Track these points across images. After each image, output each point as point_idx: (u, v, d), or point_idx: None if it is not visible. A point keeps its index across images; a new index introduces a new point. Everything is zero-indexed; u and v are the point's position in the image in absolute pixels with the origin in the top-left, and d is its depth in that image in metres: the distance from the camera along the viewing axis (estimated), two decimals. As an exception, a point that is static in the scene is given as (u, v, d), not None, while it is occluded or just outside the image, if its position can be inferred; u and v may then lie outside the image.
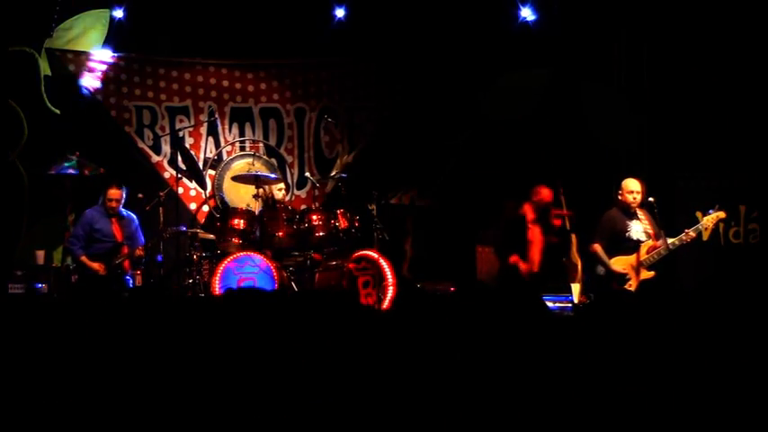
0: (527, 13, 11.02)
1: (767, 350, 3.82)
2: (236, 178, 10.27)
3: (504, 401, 3.45)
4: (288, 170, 11.31)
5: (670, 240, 8.78)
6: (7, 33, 10.28)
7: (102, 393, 3.68)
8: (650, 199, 9.00)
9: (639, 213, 9.03)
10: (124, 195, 9.74)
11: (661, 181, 10.00)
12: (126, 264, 9.61)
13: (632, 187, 9.02)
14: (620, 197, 9.11)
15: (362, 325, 3.99)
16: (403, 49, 11.22)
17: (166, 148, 11.13)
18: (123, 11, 10.67)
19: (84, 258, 9.53)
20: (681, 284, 8.67)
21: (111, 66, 10.96)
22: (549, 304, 8.12)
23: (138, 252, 9.66)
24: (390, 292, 9.07)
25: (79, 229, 9.67)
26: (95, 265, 9.49)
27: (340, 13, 11.03)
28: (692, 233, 8.78)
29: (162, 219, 9.87)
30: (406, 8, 10.99)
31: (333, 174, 10.89)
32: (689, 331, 4.13)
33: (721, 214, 9.11)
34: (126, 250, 9.59)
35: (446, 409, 3.34)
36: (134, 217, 9.89)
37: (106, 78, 10.95)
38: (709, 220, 9.05)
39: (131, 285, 9.53)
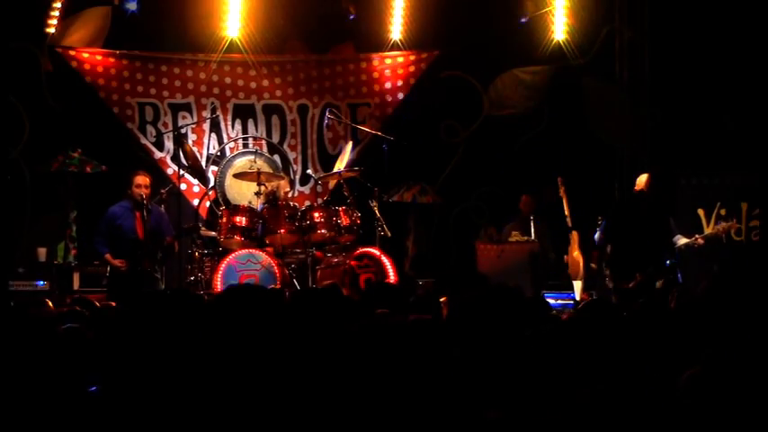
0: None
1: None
2: (237, 175, 10.28)
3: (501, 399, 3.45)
4: (291, 167, 11.32)
5: (681, 242, 8.81)
6: (9, 30, 10.28)
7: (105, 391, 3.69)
8: None
9: None
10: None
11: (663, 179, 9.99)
12: (146, 262, 9.46)
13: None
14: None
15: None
16: (405, 46, 11.21)
17: (169, 145, 11.13)
18: (136, 3, 10.64)
19: (108, 256, 9.37)
20: (682, 283, 8.66)
21: (114, 62, 10.97)
22: (551, 301, 8.12)
23: (168, 240, 9.56)
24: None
25: (102, 225, 9.51)
26: (117, 262, 9.33)
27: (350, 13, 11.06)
28: (700, 240, 8.84)
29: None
30: (408, 5, 10.99)
31: (335, 170, 10.89)
32: (694, 331, 4.13)
33: (734, 225, 9.16)
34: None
35: (443, 408, 3.35)
36: (160, 208, 9.78)
37: (108, 75, 10.95)
38: (720, 229, 9.10)
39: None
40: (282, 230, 9.48)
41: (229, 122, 11.31)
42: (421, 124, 11.27)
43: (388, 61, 11.46)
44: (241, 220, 9.45)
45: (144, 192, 9.35)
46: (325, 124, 11.29)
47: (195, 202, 11.05)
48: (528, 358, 3.63)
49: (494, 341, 3.77)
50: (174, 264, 10.10)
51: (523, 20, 10.94)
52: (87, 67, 10.86)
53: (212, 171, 11.06)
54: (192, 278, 9.50)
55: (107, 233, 9.46)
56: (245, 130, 11.34)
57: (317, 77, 11.47)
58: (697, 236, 8.94)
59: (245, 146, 11.30)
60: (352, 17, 10.97)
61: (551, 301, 8.01)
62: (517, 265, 9.93)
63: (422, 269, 10.73)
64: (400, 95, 11.49)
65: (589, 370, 3.76)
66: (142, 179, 9.41)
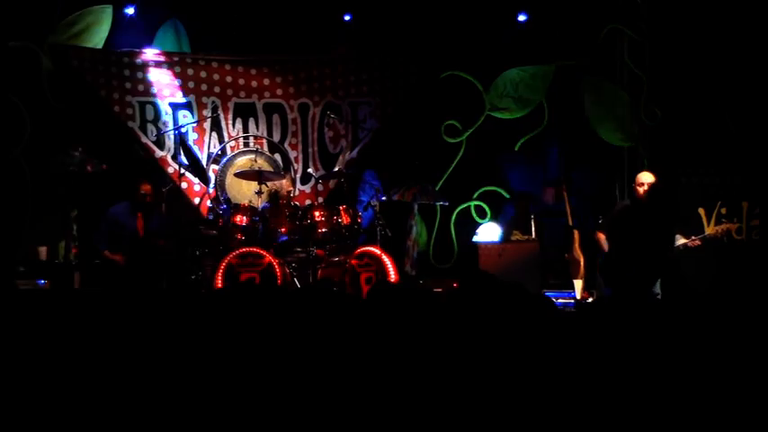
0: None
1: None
2: (238, 174, 10.28)
3: (503, 399, 3.45)
4: (292, 165, 11.32)
5: (680, 242, 8.81)
6: (10, 29, 10.29)
7: (104, 390, 3.69)
8: None
9: None
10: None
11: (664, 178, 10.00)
12: (145, 261, 9.54)
13: (642, 179, 8.99)
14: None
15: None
16: (406, 45, 11.21)
17: (170, 144, 11.13)
18: (134, 8, 10.70)
19: (106, 253, 9.60)
20: (683, 282, 8.67)
21: (114, 61, 10.96)
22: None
23: (160, 243, 9.61)
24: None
25: (102, 224, 9.69)
26: (116, 257, 9.53)
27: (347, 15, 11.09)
28: (697, 241, 8.83)
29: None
30: (409, 4, 10.99)
31: (336, 169, 10.90)
32: (694, 332, 4.13)
33: (732, 226, 9.16)
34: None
35: (444, 407, 3.35)
36: (163, 212, 9.88)
37: (109, 74, 10.94)
38: (719, 230, 9.10)
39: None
40: (283, 229, 9.49)
41: (230, 121, 11.30)
42: (421, 124, 11.28)
43: (389, 60, 11.45)
44: (242, 219, 9.47)
45: (149, 200, 9.72)
46: (325, 123, 11.30)
47: (196, 200, 11.06)
48: (531, 356, 3.64)
49: (497, 338, 3.77)
50: (174, 263, 10.10)
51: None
52: (88, 65, 10.85)
53: (213, 170, 11.06)
54: (192, 277, 9.52)
55: (107, 232, 9.61)
56: (245, 129, 11.33)
57: (318, 76, 11.45)
58: (694, 237, 8.93)
59: (246, 145, 11.29)
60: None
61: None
62: (519, 264, 9.94)
63: (422, 269, 10.74)
64: (401, 95, 11.48)
65: (591, 369, 3.77)
66: (147, 188, 9.76)
